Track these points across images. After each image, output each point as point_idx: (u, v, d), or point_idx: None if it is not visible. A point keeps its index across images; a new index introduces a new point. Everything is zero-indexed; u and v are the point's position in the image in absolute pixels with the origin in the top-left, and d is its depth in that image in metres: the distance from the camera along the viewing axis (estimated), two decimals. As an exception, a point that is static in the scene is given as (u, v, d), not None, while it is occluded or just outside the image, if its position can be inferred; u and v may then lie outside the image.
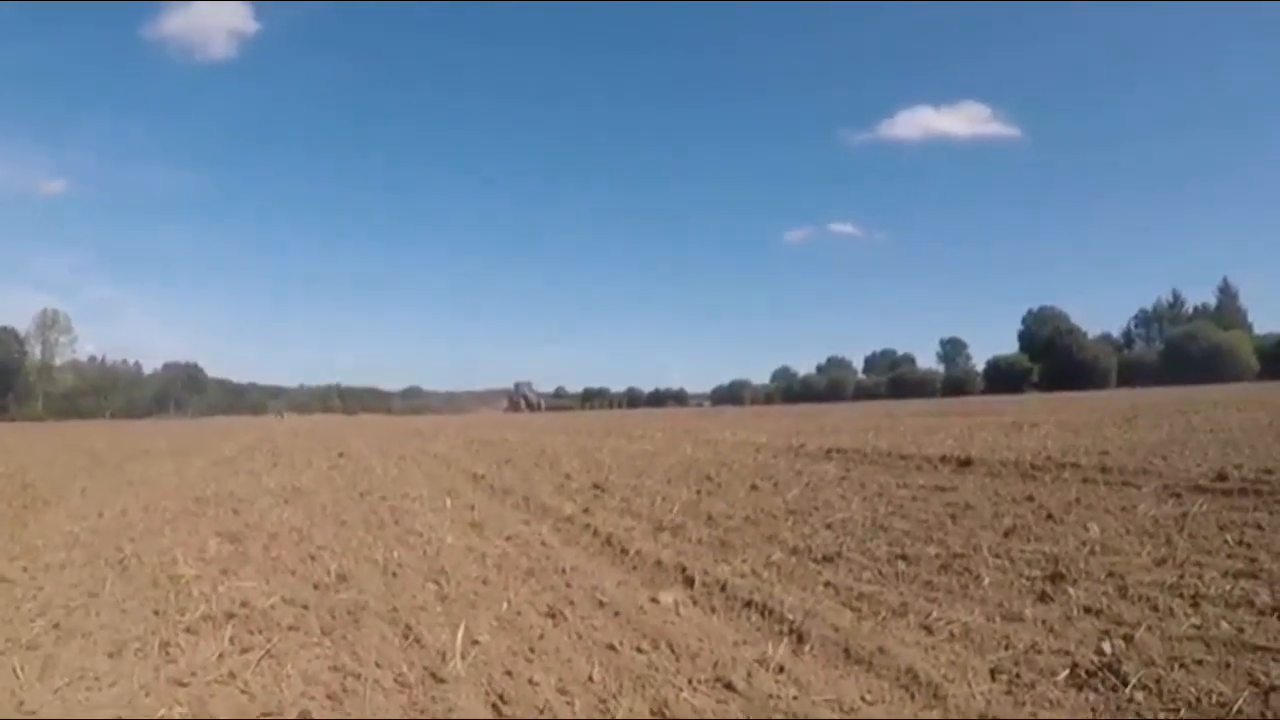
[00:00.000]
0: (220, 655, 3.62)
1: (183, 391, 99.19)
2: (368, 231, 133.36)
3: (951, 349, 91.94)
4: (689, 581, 4.83)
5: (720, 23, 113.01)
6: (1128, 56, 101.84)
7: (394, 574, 5.17)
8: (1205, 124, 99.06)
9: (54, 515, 8.39)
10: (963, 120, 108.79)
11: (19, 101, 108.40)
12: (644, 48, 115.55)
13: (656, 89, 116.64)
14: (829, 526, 6.29)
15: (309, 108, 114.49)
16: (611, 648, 3.65)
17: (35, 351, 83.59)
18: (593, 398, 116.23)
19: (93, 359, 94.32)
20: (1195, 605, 3.85)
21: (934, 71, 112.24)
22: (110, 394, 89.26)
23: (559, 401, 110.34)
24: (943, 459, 10.40)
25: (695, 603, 4.43)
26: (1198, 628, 3.54)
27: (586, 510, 7.75)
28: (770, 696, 3.05)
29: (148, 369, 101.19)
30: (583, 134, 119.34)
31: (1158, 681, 2.98)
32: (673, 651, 3.59)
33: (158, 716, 2.97)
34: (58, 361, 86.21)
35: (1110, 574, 4.45)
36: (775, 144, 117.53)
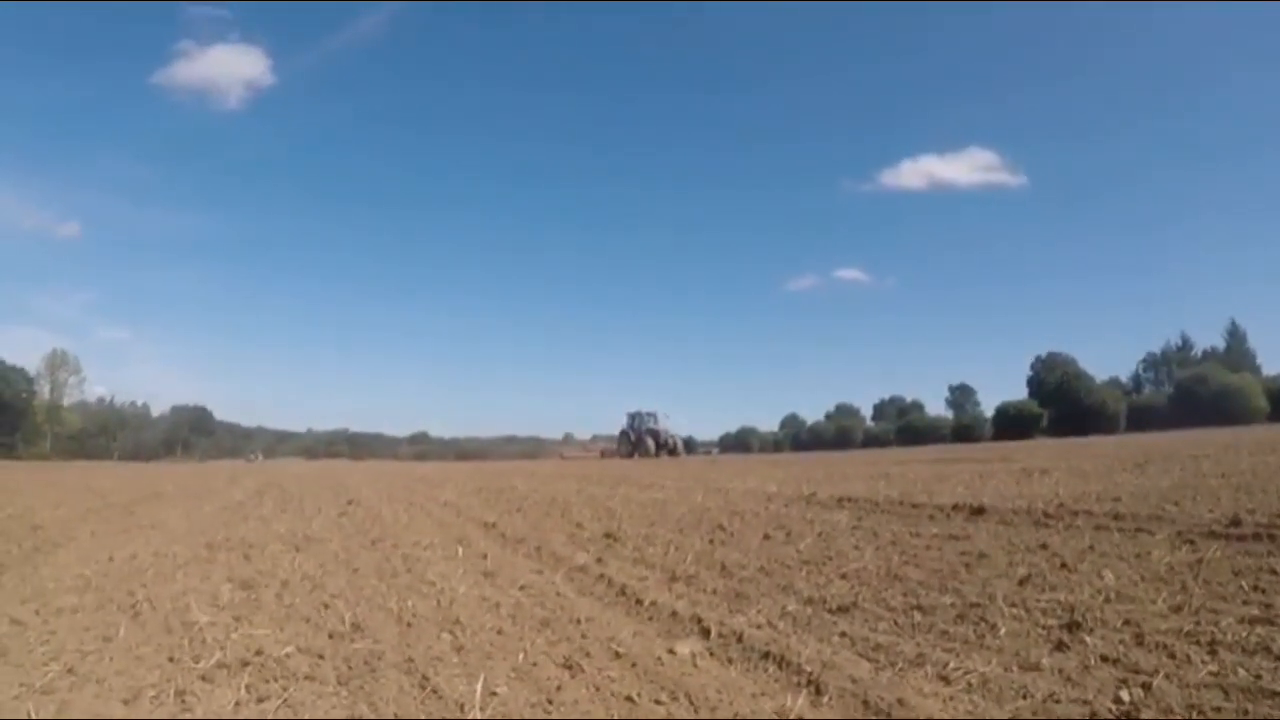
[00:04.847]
0: (236, 704, 3.64)
1: (191, 434, 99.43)
2: (380, 277, 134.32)
3: (960, 395, 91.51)
4: (705, 632, 4.82)
5: (720, 70, 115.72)
6: (1133, 102, 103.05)
7: (408, 623, 5.18)
8: (1211, 168, 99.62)
9: (64, 557, 8.40)
10: (968, 168, 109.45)
11: (36, 144, 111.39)
12: (648, 95, 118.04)
13: (659, 137, 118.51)
14: (843, 576, 6.27)
15: (323, 155, 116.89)
16: (630, 699, 3.65)
17: (44, 391, 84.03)
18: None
19: (101, 400, 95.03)
20: (1212, 652, 3.85)
21: (937, 118, 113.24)
22: (118, 435, 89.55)
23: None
24: (955, 507, 10.32)
25: (712, 654, 4.43)
26: (1215, 675, 3.54)
27: (599, 560, 7.73)
28: (790, 749, 3.05)
29: (156, 411, 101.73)
30: (588, 181, 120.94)
31: (1178, 732, 2.98)
32: (691, 703, 3.59)
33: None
34: (66, 402, 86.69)
35: (1126, 622, 4.44)
36: (777, 192, 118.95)
